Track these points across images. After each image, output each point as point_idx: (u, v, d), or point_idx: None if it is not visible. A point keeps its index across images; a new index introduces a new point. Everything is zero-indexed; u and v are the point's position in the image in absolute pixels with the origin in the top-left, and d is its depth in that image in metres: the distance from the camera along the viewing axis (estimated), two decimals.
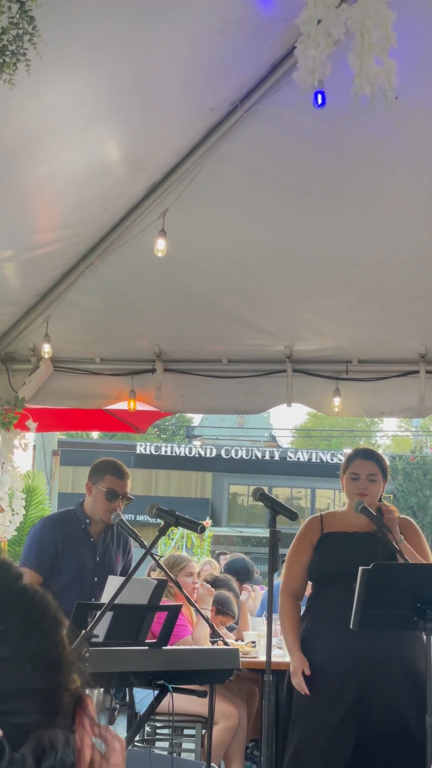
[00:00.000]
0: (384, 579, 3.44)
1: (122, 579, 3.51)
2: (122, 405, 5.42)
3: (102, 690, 3.64)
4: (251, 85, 4.13)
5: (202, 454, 30.83)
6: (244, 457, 30.68)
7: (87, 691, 0.77)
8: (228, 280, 4.90)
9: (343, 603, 3.61)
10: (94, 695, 3.62)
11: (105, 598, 3.61)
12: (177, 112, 4.09)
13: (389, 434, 42.64)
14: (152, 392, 5.32)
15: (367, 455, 4.22)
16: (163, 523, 3.60)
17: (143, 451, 30.84)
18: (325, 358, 5.21)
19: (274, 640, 3.81)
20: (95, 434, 34.30)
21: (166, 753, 4.92)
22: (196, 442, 31.63)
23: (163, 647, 3.53)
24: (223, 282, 4.92)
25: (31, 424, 5.37)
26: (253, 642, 5.38)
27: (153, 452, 31.24)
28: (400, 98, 3.37)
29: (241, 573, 7.51)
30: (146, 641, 3.56)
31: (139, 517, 20.83)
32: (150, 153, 4.33)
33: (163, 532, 3.62)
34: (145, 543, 3.86)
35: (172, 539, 17.72)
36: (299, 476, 30.49)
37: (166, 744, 5.54)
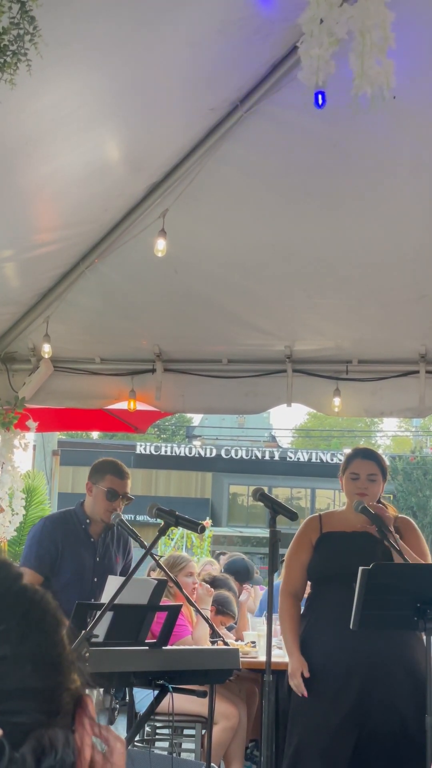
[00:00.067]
0: (384, 579, 3.44)
1: (122, 579, 3.51)
2: (122, 405, 5.42)
3: (102, 690, 3.64)
4: (251, 85, 4.13)
5: (202, 454, 30.83)
6: (244, 457, 30.68)
7: (87, 691, 0.77)
8: (228, 280, 4.91)
9: (343, 603, 3.61)
10: (94, 695, 3.62)
11: (105, 598, 3.61)
12: (177, 112, 4.10)
13: (389, 434, 42.65)
14: (152, 392, 5.32)
15: (367, 455, 4.22)
16: (163, 523, 3.60)
17: (143, 451, 30.84)
18: (325, 358, 5.21)
19: (274, 640, 3.81)
20: (95, 434, 34.31)
21: (166, 753, 4.93)
22: (196, 442, 31.63)
23: (163, 647, 3.53)
24: (223, 282, 4.92)
25: (31, 424, 5.37)
26: (253, 642, 5.38)
27: (153, 452, 31.25)
28: (400, 98, 3.37)
29: (241, 573, 7.51)
30: (146, 641, 3.56)
31: (139, 517, 20.83)
32: (150, 153, 4.33)
33: (163, 532, 3.62)
34: (145, 543, 3.86)
35: (172, 539, 17.72)
36: (299, 476, 30.49)
37: (166, 744, 5.54)
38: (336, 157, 4.31)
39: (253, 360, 5.28)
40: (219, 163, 4.37)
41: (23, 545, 4.64)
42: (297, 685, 3.92)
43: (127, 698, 4.50)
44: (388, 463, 4.41)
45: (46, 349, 5.10)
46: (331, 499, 30.30)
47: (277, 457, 30.88)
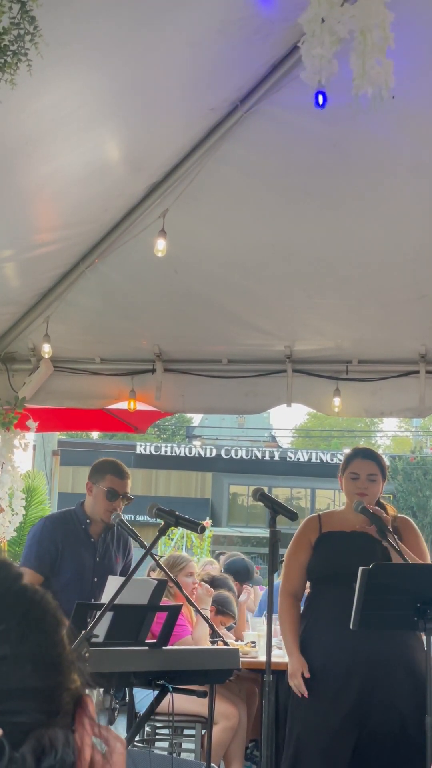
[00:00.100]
0: (384, 579, 3.44)
1: (122, 579, 3.51)
2: (122, 405, 5.43)
3: (102, 690, 3.64)
4: (251, 85, 4.13)
5: (202, 454, 30.83)
6: (244, 457, 30.68)
7: (87, 691, 0.77)
8: (228, 280, 4.91)
9: (343, 602, 3.61)
10: (94, 695, 3.62)
11: (105, 599, 3.61)
12: (177, 112, 4.10)
13: (389, 434, 42.66)
14: (152, 392, 5.32)
15: (367, 455, 4.22)
16: (163, 523, 3.60)
17: (143, 451, 30.84)
18: (325, 358, 5.21)
19: (274, 640, 3.81)
20: (95, 434, 34.31)
21: (166, 753, 4.93)
22: (196, 442, 31.63)
23: (163, 647, 3.53)
24: (223, 282, 4.92)
25: (31, 424, 5.37)
26: (253, 642, 5.38)
27: (153, 452, 31.24)
28: (400, 99, 3.37)
29: (241, 573, 7.51)
30: (146, 641, 3.56)
31: (139, 517, 20.83)
32: (150, 153, 4.33)
33: (163, 532, 3.62)
34: (145, 543, 3.86)
35: (172, 539, 17.72)
36: (299, 476, 30.49)
37: (166, 744, 5.54)
38: (336, 157, 4.31)
39: (253, 360, 5.28)
40: (219, 163, 4.37)
41: (23, 545, 4.64)
42: (297, 685, 3.92)
43: (127, 698, 4.50)
44: (387, 463, 4.41)
45: (46, 349, 5.10)
46: (331, 499, 30.29)
47: (277, 457, 30.88)
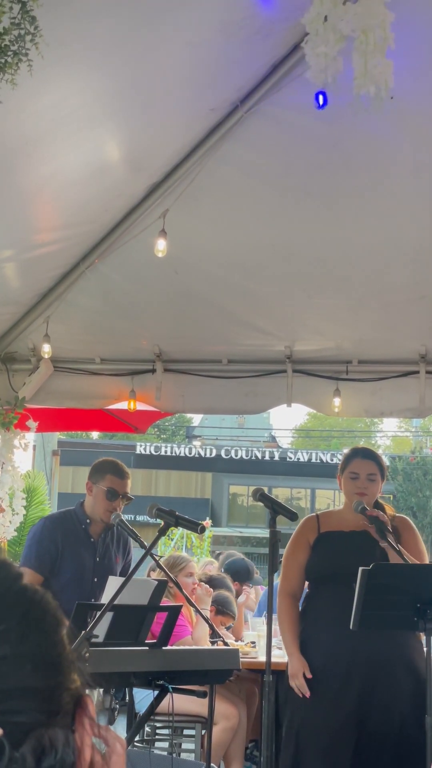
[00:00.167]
0: (384, 579, 3.44)
1: (122, 579, 3.51)
2: (122, 405, 5.42)
3: (102, 690, 3.64)
4: (252, 86, 4.13)
5: (202, 454, 30.84)
6: (244, 457, 30.69)
7: (87, 691, 0.77)
8: (228, 280, 4.91)
9: (342, 602, 3.61)
10: (94, 695, 3.62)
11: (105, 599, 3.61)
12: (177, 112, 4.09)
13: (389, 434, 42.66)
14: (152, 392, 5.32)
15: (367, 455, 4.23)
16: (163, 523, 3.60)
17: (143, 451, 30.84)
18: (325, 359, 5.21)
19: (273, 641, 3.81)
20: (95, 434, 34.31)
21: (166, 753, 4.93)
22: (196, 443, 31.63)
23: (163, 647, 3.53)
24: (223, 282, 4.92)
25: (31, 424, 5.37)
26: (253, 642, 5.38)
27: (153, 452, 31.25)
28: (400, 98, 3.37)
29: (241, 573, 7.51)
30: (146, 641, 3.56)
31: (139, 517, 20.83)
32: (150, 153, 4.33)
33: (163, 532, 3.62)
34: (145, 543, 3.86)
35: (172, 539, 17.72)
36: (299, 476, 30.50)
37: (166, 744, 5.54)
38: (336, 157, 4.31)
39: (253, 360, 5.28)
40: (219, 163, 4.37)
41: (23, 545, 4.64)
42: (299, 685, 3.92)
43: (127, 698, 4.50)
44: (387, 463, 4.41)
45: (46, 349, 5.10)
46: (331, 500, 30.30)
47: (277, 458, 30.88)
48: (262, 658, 4.23)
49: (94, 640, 3.17)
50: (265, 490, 3.83)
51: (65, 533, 4.42)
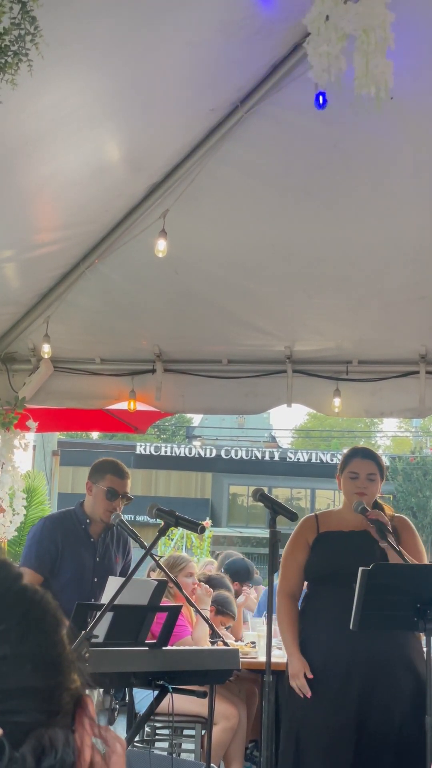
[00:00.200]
0: (384, 579, 3.44)
1: (122, 580, 3.51)
2: (122, 405, 5.43)
3: (102, 690, 3.64)
4: (252, 86, 4.13)
5: (202, 454, 30.84)
6: (244, 457, 30.69)
7: (87, 691, 0.77)
8: (228, 280, 4.91)
9: (342, 602, 3.61)
10: (94, 695, 3.62)
11: (105, 599, 3.61)
12: (177, 112, 4.10)
13: (389, 435, 42.67)
14: (152, 392, 5.32)
15: (366, 455, 4.23)
16: (163, 523, 3.60)
17: (143, 452, 30.85)
18: (325, 359, 5.21)
19: (273, 641, 3.81)
20: (95, 434, 34.31)
21: (165, 753, 4.92)
22: (196, 443, 31.63)
23: (163, 647, 3.53)
24: (223, 282, 4.92)
25: (31, 424, 5.37)
26: (253, 642, 5.38)
27: (153, 452, 31.25)
28: (400, 99, 3.37)
29: (241, 573, 7.51)
30: (146, 642, 3.56)
31: (139, 517, 20.83)
32: (150, 153, 4.33)
33: (162, 532, 3.62)
34: (145, 543, 3.85)
35: (172, 539, 17.72)
36: (299, 477, 30.50)
37: (165, 744, 5.54)
38: (336, 157, 4.31)
39: (253, 360, 5.28)
40: (219, 163, 4.37)
41: (23, 545, 4.64)
42: (300, 686, 3.91)
43: (127, 698, 4.50)
44: (387, 463, 4.41)
45: (46, 350, 5.11)
46: (331, 500, 30.30)
47: (277, 458, 30.89)
48: (262, 658, 4.23)
49: (94, 640, 3.17)
50: (265, 490, 3.83)
51: (65, 533, 4.42)
